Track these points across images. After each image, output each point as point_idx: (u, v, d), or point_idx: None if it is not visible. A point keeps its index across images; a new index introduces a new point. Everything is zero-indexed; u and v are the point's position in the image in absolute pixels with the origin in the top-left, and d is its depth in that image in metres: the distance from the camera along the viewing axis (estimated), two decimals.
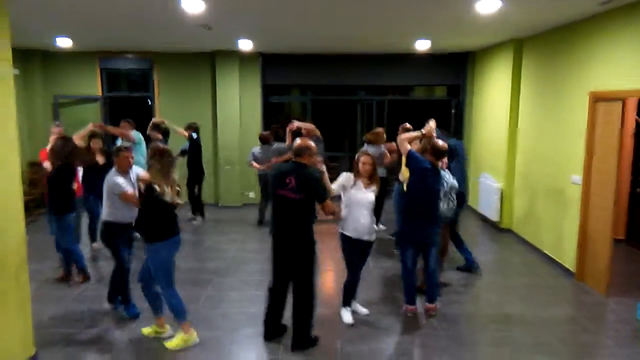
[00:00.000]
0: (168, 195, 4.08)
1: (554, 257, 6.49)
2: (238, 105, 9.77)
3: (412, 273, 4.89)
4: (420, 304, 5.00)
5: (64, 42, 8.32)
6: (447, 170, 5.25)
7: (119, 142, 7.40)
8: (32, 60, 9.47)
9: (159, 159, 4.13)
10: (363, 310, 4.94)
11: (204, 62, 9.78)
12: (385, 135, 7.49)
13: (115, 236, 4.80)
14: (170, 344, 4.28)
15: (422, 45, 8.42)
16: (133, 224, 4.63)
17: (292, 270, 4.21)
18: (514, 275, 6.16)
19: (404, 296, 4.99)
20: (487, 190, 8.35)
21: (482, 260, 6.46)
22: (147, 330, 4.53)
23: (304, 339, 4.25)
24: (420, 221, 4.80)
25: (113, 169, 4.75)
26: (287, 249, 4.19)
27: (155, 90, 9.89)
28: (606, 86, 5.41)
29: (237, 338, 4.50)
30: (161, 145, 4.67)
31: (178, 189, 4.26)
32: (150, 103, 10.02)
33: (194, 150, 8.24)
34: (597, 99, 5.54)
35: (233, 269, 6.22)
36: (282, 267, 4.26)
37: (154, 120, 8.20)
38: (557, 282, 5.91)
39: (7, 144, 3.71)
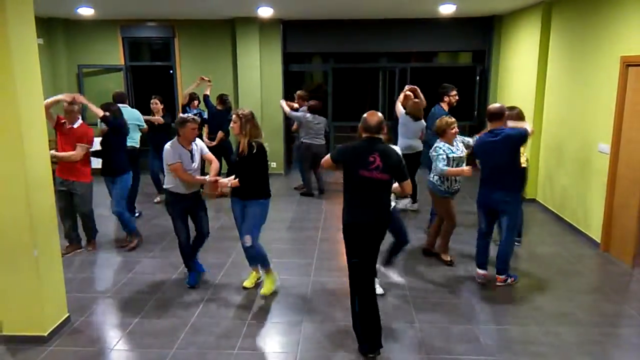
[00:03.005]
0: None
1: (579, 227, 6.41)
2: (259, 74, 9.71)
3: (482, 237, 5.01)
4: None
5: (86, 11, 8.34)
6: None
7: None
8: (55, 29, 9.53)
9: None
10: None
11: (225, 30, 9.71)
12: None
13: (171, 206, 4.87)
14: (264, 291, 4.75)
15: (447, 9, 8.19)
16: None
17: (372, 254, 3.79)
18: (538, 245, 6.12)
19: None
20: None
21: None
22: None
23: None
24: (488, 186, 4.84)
25: (175, 139, 4.67)
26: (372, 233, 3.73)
27: (177, 59, 9.88)
28: (639, 50, 5.20)
29: (261, 304, 4.61)
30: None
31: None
32: (172, 72, 10.03)
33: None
34: (629, 63, 5.34)
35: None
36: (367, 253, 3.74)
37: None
38: (581, 252, 5.85)
39: (35, 115, 3.78)
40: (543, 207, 7.53)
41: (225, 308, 4.52)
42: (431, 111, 6.91)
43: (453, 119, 5.28)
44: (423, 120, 6.86)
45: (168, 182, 4.75)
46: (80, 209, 5.68)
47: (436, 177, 5.26)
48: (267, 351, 3.87)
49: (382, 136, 3.78)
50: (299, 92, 8.67)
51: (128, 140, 6.58)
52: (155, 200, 7.88)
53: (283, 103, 8.48)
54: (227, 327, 4.18)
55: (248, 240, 4.58)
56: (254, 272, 4.95)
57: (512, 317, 4.37)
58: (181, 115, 4.78)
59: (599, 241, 5.90)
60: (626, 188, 5.41)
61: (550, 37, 7.46)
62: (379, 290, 4.52)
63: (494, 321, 4.30)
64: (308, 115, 8.12)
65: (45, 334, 3.90)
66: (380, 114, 3.77)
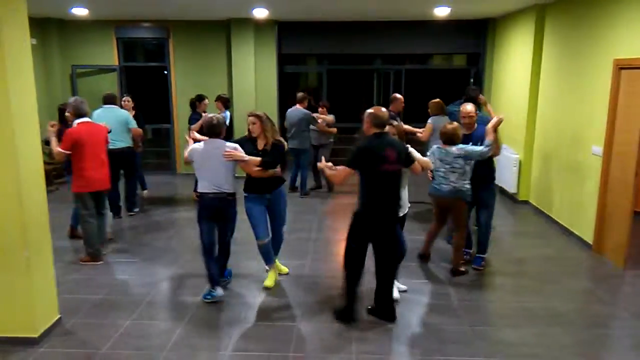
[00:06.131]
0: None
1: (572, 229, 6.43)
2: (253, 75, 9.71)
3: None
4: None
5: (80, 11, 8.31)
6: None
7: None
8: (49, 29, 9.49)
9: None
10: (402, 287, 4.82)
11: (220, 31, 9.70)
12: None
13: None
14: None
15: (442, 12, 8.22)
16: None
17: (385, 242, 4.18)
18: (531, 247, 6.14)
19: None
20: (505, 162, 8.24)
21: (499, 232, 6.46)
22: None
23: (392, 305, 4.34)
24: None
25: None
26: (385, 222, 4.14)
27: (171, 60, 9.86)
28: (631, 53, 5.23)
29: (254, 305, 4.60)
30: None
31: None
32: (166, 73, 10.01)
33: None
34: (622, 66, 5.37)
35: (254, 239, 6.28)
36: (368, 243, 4.19)
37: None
38: (574, 254, 5.87)
39: (27, 114, 3.76)
40: (536, 209, 7.56)
41: (217, 310, 4.50)
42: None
43: (457, 123, 5.20)
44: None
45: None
46: None
47: (465, 181, 5.00)
48: (259, 352, 3.85)
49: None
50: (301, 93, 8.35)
51: (119, 141, 6.56)
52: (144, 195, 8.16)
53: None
54: (220, 329, 4.16)
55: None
56: (273, 271, 4.97)
57: (505, 318, 4.38)
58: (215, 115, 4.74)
59: (591, 243, 5.92)
60: (618, 190, 5.44)
61: (543, 40, 7.50)
62: (396, 294, 4.54)
63: (487, 322, 4.31)
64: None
65: (36, 336, 3.87)
66: (384, 109, 4.12)
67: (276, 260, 5.09)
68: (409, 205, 4.63)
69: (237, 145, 4.55)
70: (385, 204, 4.08)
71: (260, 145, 4.63)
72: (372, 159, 3.97)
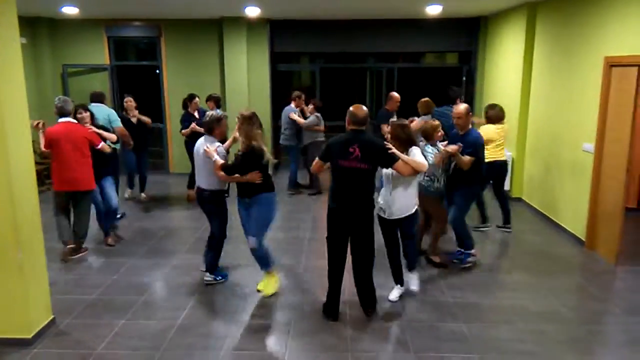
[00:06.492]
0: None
1: (564, 226, 6.47)
2: (246, 74, 9.67)
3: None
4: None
5: (70, 10, 8.24)
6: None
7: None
8: (39, 28, 9.39)
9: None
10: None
11: (212, 29, 9.65)
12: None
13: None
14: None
15: (434, 10, 8.23)
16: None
17: (355, 239, 4.20)
18: (523, 244, 6.18)
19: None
20: None
21: (492, 229, 6.49)
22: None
23: (374, 298, 4.35)
24: None
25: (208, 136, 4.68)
26: (350, 219, 4.13)
27: (163, 59, 9.81)
28: (622, 51, 5.27)
29: (248, 304, 4.59)
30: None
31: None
32: (158, 72, 9.95)
33: None
34: (612, 64, 5.41)
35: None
36: (344, 238, 4.20)
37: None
38: (566, 251, 5.91)
39: (18, 114, 3.72)
40: (528, 206, 7.60)
41: (212, 309, 4.50)
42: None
43: (438, 122, 5.27)
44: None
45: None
46: None
47: (427, 178, 5.11)
48: (254, 351, 3.85)
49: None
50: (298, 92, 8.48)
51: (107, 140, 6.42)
52: (126, 196, 8.02)
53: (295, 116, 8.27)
54: (215, 328, 4.16)
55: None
56: (267, 275, 4.82)
57: (500, 315, 4.40)
58: (214, 113, 4.81)
59: (583, 239, 5.97)
60: (610, 187, 5.48)
61: (535, 38, 7.54)
62: (394, 296, 4.62)
63: (481, 319, 4.33)
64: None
65: (30, 337, 3.85)
66: (365, 108, 4.15)
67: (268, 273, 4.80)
68: (416, 208, 4.55)
69: (218, 144, 4.61)
70: (346, 199, 4.09)
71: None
72: (335, 153, 4.05)
